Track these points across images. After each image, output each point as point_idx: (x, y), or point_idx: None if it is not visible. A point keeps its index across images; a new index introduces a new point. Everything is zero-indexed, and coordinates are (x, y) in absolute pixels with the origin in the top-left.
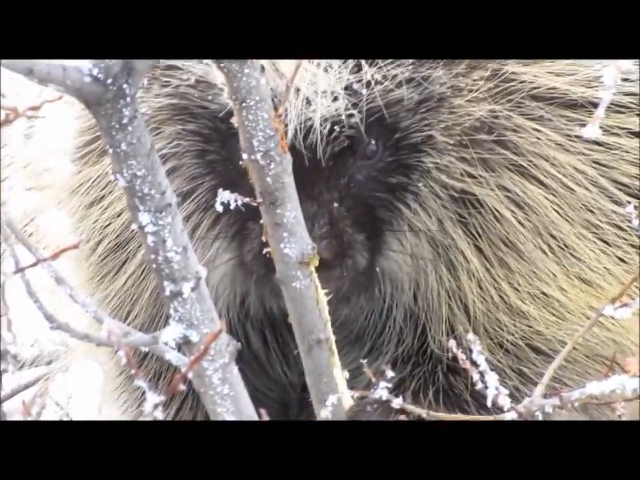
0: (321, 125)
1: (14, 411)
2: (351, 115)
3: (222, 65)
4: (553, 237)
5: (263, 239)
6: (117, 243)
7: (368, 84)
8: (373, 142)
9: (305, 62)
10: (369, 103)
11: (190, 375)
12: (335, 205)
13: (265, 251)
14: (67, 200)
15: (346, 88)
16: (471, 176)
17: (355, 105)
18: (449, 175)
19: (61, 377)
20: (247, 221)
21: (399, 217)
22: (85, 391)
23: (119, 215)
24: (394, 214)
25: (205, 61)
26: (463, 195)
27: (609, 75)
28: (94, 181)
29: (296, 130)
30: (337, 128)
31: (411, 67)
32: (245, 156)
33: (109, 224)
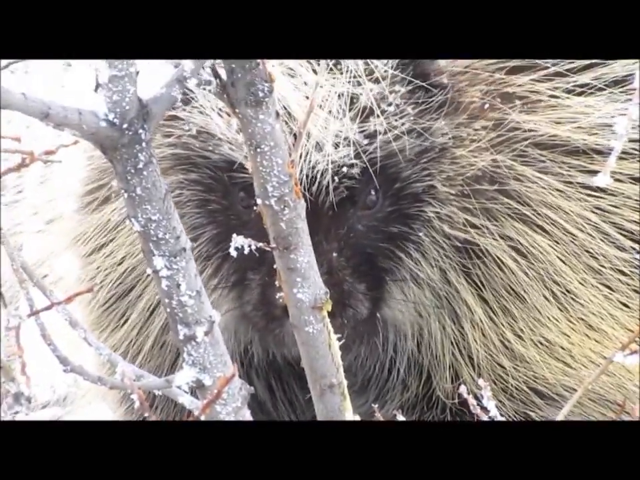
0: (321, 175)
1: None
2: (352, 166)
3: (237, 110)
4: (556, 283)
5: (277, 283)
6: (118, 292)
7: (370, 135)
8: (373, 192)
9: (315, 107)
10: (369, 154)
11: (203, 419)
12: (334, 254)
13: (278, 295)
14: (71, 247)
15: (346, 138)
16: (474, 226)
17: (356, 156)
18: (451, 224)
19: (74, 419)
20: (247, 271)
21: (401, 266)
22: None
23: (120, 264)
24: (395, 263)
25: (207, 111)
26: (466, 245)
27: (620, 124)
28: (95, 229)
29: (301, 178)
30: (337, 178)
31: (412, 118)
32: (259, 201)
33: (110, 272)
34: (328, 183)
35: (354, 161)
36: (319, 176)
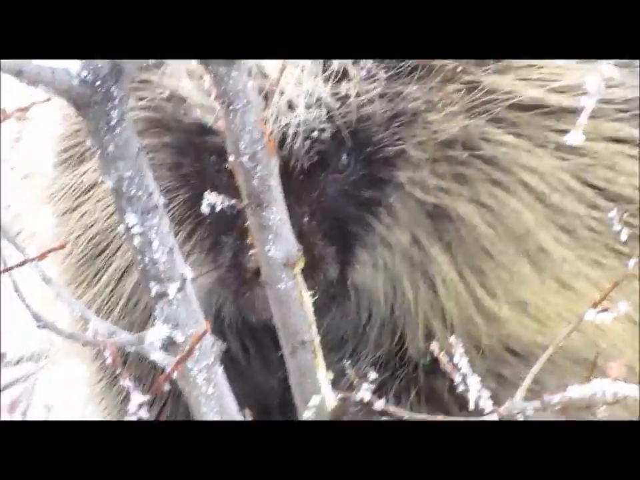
0: (292, 139)
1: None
2: (323, 130)
3: (209, 67)
4: (529, 243)
5: (249, 241)
6: (92, 251)
7: (341, 99)
8: (345, 156)
9: (289, 64)
10: (341, 117)
11: (175, 375)
12: (305, 218)
13: (250, 252)
14: (47, 204)
15: (318, 99)
16: (445, 190)
17: (327, 120)
18: (422, 189)
19: (47, 374)
20: (219, 235)
21: (372, 231)
22: (71, 389)
23: (93, 224)
24: (366, 228)
25: (179, 75)
26: (438, 209)
27: (592, 82)
28: (69, 188)
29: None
30: (308, 142)
31: (384, 83)
32: (231, 158)
33: (84, 232)
34: (299, 146)
35: (325, 125)
36: (289, 139)
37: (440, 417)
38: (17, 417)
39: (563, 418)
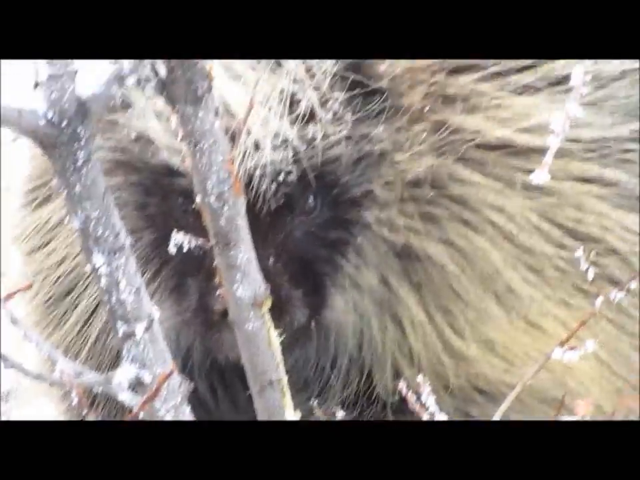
0: (259, 181)
1: None
2: (289, 172)
3: (176, 107)
4: (497, 282)
5: (216, 280)
6: (59, 291)
7: (308, 141)
8: (312, 198)
9: (256, 104)
10: (308, 160)
11: (142, 416)
12: (271, 260)
13: (217, 292)
14: (13, 244)
15: (285, 141)
16: (414, 229)
17: (294, 162)
18: (390, 228)
19: (17, 414)
20: (185, 277)
21: (340, 272)
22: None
23: (60, 264)
24: (335, 269)
25: (146, 116)
26: (406, 248)
27: (557, 122)
28: (35, 227)
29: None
30: (274, 185)
31: (350, 125)
32: (198, 198)
33: (50, 272)
34: (266, 188)
35: (291, 167)
36: (256, 182)
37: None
38: None
39: None
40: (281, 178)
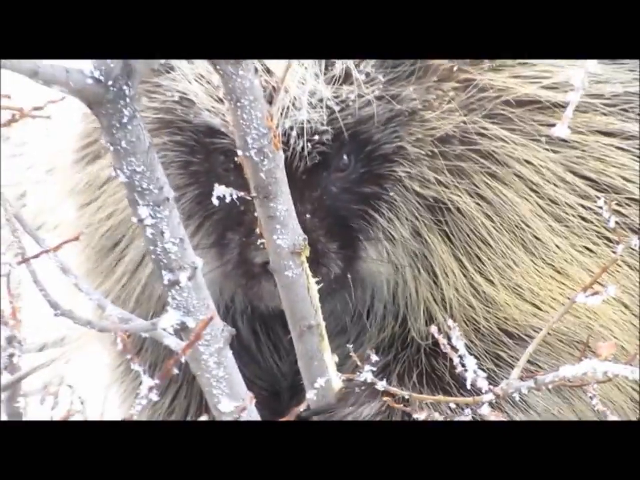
0: (295, 141)
1: (32, 392)
2: (325, 132)
3: (217, 67)
4: (524, 231)
5: (257, 230)
6: (108, 243)
7: (342, 102)
8: (345, 156)
9: (294, 63)
10: (342, 119)
11: (187, 359)
12: (308, 216)
13: (259, 242)
14: (67, 198)
15: (321, 100)
16: (443, 184)
17: (328, 122)
18: (421, 183)
19: (73, 359)
20: (226, 231)
21: (374, 225)
22: (94, 373)
23: (109, 217)
24: (369, 223)
25: (188, 79)
26: (436, 202)
27: (577, 77)
28: (87, 183)
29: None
30: (310, 144)
31: (382, 86)
32: (240, 152)
33: (100, 225)
34: (302, 147)
35: (326, 127)
36: (293, 141)
37: (438, 397)
38: (49, 400)
39: (558, 400)
40: (316, 137)
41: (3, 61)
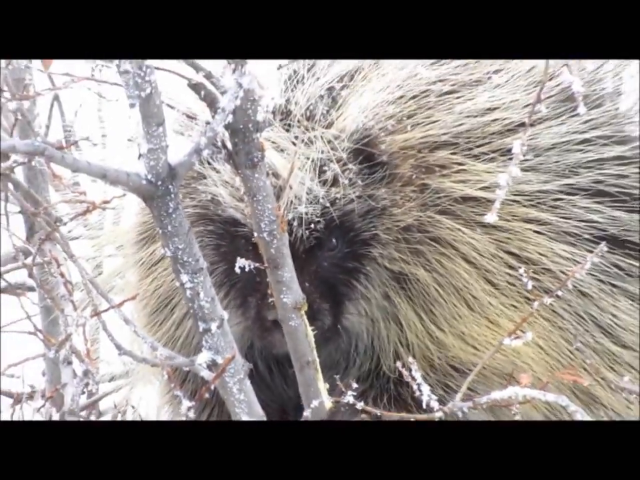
0: (297, 229)
1: (107, 410)
2: (318, 222)
3: (239, 171)
4: (467, 294)
5: (269, 292)
6: (161, 304)
7: (331, 200)
8: (334, 240)
9: (295, 169)
10: (331, 213)
11: (217, 387)
12: (307, 284)
13: (269, 300)
14: (131, 269)
15: (315, 198)
16: (405, 261)
17: (321, 215)
18: (389, 260)
19: (134, 388)
20: (247, 296)
21: (355, 290)
22: (150, 397)
23: (161, 285)
24: (351, 289)
25: (216, 184)
26: (400, 274)
27: (503, 179)
28: (145, 259)
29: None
30: (307, 231)
31: (361, 188)
32: (256, 234)
33: (156, 290)
34: (302, 234)
35: (319, 219)
36: (294, 229)
37: (403, 415)
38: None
39: (491, 416)
40: (312, 225)
41: (78, 163)
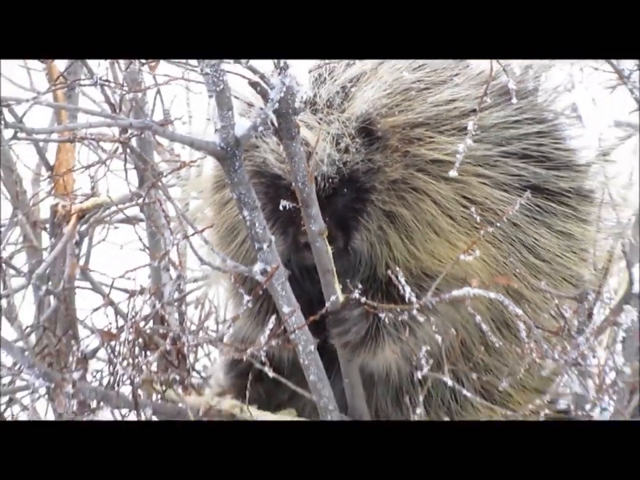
0: (320, 181)
1: (191, 302)
2: (335, 178)
3: (283, 141)
4: (434, 225)
5: (302, 223)
6: (228, 231)
7: (344, 162)
8: (345, 189)
9: (320, 141)
10: (344, 171)
11: (267, 287)
12: (327, 219)
13: (302, 228)
14: (210, 205)
15: (333, 160)
16: (393, 203)
17: (337, 172)
18: (382, 203)
19: (211, 287)
20: (287, 227)
21: (359, 223)
22: (221, 293)
23: (229, 219)
24: (357, 222)
25: (267, 151)
26: (390, 213)
27: (460, 147)
28: (219, 199)
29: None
30: (327, 183)
31: (363, 155)
32: (293, 184)
33: (225, 220)
34: (324, 185)
35: (335, 175)
36: (319, 181)
37: (392, 306)
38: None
39: (451, 307)
40: (330, 180)
41: (173, 135)
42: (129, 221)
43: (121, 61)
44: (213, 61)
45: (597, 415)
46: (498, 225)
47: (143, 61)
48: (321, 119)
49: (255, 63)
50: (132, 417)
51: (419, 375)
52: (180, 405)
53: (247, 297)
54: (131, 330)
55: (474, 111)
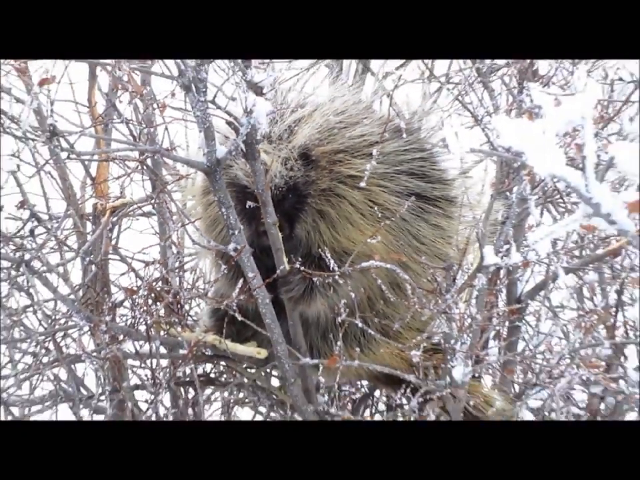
0: (273, 189)
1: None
2: (282, 187)
3: (249, 162)
4: (351, 219)
5: (261, 217)
6: (212, 222)
7: (289, 176)
8: (290, 195)
9: (274, 163)
10: (288, 182)
11: (238, 259)
12: (278, 215)
13: (261, 220)
14: (199, 207)
15: (282, 175)
16: (322, 204)
17: (284, 183)
18: (315, 204)
19: (200, 260)
20: (250, 220)
21: (299, 218)
22: (207, 265)
23: (212, 214)
24: (298, 217)
25: (238, 169)
26: (321, 210)
27: (368, 166)
28: (207, 201)
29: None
30: (277, 191)
31: (301, 173)
32: (256, 191)
33: (210, 215)
34: (276, 192)
35: (284, 185)
36: (273, 190)
37: (322, 273)
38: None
39: (363, 279)
40: (280, 189)
41: (175, 157)
42: (145, 215)
43: (139, 105)
44: (203, 106)
45: (458, 346)
46: (393, 219)
47: (155, 105)
48: (274, 147)
49: (230, 107)
50: (146, 347)
51: (339, 319)
52: (179, 338)
53: (224, 266)
54: (145, 288)
55: (377, 142)
